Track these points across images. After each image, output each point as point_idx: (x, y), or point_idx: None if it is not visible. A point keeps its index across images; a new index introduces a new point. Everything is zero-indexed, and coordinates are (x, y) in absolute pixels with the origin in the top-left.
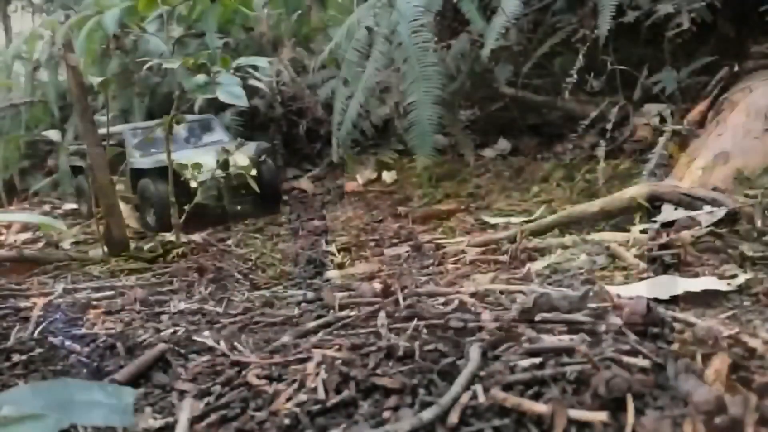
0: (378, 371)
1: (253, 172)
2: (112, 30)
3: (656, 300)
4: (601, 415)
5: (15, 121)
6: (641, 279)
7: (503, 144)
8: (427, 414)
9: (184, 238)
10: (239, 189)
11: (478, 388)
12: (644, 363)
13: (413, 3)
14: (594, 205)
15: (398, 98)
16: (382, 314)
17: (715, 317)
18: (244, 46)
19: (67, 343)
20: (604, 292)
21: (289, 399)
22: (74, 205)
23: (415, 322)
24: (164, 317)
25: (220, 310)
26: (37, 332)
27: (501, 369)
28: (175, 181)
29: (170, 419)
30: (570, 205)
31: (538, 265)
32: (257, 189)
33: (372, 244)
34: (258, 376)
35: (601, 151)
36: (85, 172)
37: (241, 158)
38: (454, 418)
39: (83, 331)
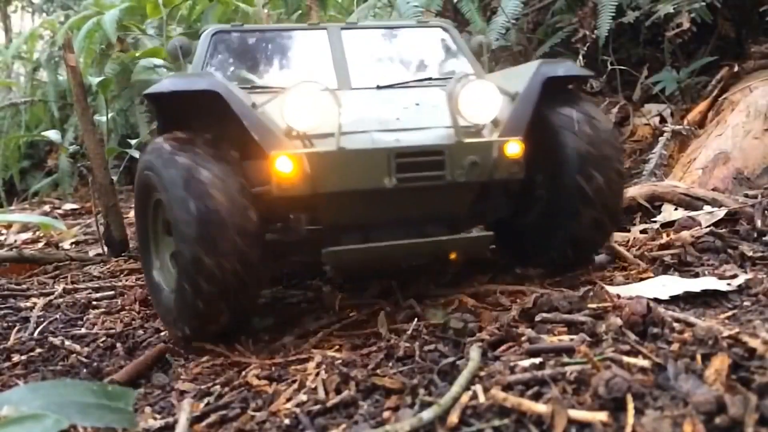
0: (378, 371)
1: (515, 148)
2: (112, 31)
3: (656, 300)
4: (601, 415)
5: (15, 121)
6: (641, 279)
7: None
8: (427, 414)
9: None
10: (465, 190)
11: (478, 388)
12: (644, 363)
13: (413, 3)
14: None
15: None
16: (382, 314)
17: (715, 317)
18: None
19: (67, 343)
20: (604, 292)
21: (289, 399)
22: (74, 205)
23: (415, 322)
24: None
25: None
26: (37, 332)
27: (501, 369)
28: None
29: (170, 419)
30: None
31: None
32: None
33: None
34: (258, 377)
35: None
36: None
37: (477, 106)
38: (454, 418)
39: (83, 331)
